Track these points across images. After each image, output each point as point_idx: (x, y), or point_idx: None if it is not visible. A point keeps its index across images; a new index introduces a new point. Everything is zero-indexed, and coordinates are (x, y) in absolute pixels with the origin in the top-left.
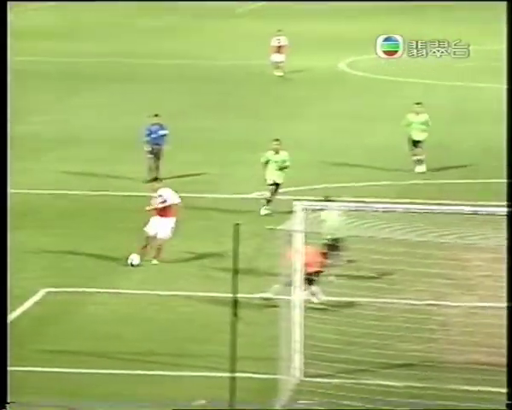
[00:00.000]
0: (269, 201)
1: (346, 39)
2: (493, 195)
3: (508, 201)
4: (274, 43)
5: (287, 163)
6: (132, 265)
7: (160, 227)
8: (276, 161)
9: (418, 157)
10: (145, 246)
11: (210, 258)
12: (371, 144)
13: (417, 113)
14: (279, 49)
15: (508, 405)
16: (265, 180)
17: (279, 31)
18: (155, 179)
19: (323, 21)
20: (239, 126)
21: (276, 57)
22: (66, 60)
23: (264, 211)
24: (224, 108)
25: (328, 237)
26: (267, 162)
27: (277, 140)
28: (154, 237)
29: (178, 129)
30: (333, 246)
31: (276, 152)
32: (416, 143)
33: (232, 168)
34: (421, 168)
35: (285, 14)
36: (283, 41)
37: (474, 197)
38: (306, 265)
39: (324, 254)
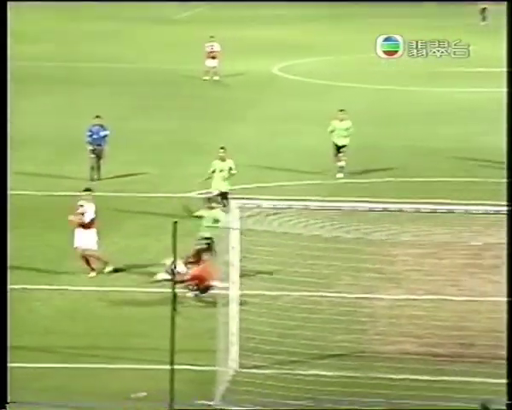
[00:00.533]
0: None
1: (279, 44)
2: (420, 193)
3: (508, 201)
4: (207, 49)
5: (233, 171)
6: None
7: (85, 240)
8: (221, 170)
9: (340, 163)
10: (87, 261)
11: (150, 255)
12: (303, 145)
13: (341, 119)
14: (212, 54)
15: (508, 405)
16: (212, 191)
17: (211, 37)
18: (86, 190)
19: (257, 27)
20: (178, 128)
21: (210, 62)
22: (12, 63)
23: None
24: (164, 110)
25: (206, 237)
26: (214, 171)
27: (223, 148)
28: (84, 250)
29: (120, 130)
30: (209, 246)
31: (222, 160)
32: (339, 149)
33: (172, 168)
34: (339, 175)
35: (221, 20)
36: (216, 47)
37: (401, 195)
38: (203, 279)
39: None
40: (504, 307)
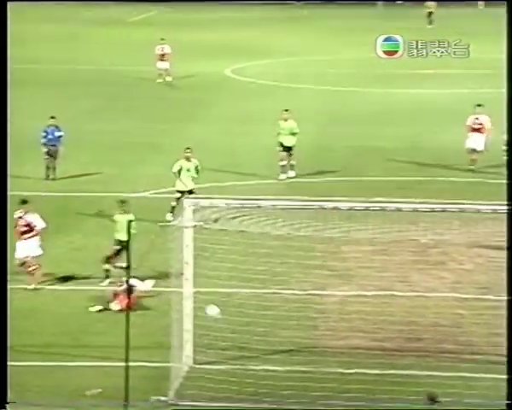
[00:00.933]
0: (174, 207)
1: (231, 47)
2: (367, 191)
3: (508, 200)
4: (157, 51)
5: (199, 170)
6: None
7: (29, 248)
8: (188, 169)
9: (290, 162)
10: (30, 271)
11: (105, 254)
12: (257, 145)
13: (285, 119)
14: (163, 56)
15: (508, 405)
16: (176, 187)
17: (162, 39)
18: (23, 202)
19: (210, 30)
20: (133, 129)
21: (161, 64)
22: None
23: (169, 217)
24: (119, 111)
25: (121, 240)
26: (180, 170)
27: (189, 148)
28: (27, 260)
29: (76, 131)
30: (122, 249)
31: (188, 160)
32: (286, 149)
33: (127, 168)
34: (291, 173)
35: (175, 22)
36: (167, 49)
37: (352, 194)
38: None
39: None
40: (451, 303)
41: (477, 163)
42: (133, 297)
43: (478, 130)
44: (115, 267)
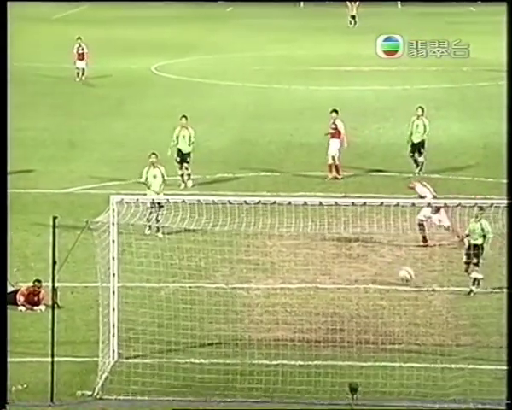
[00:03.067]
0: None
1: (156, 44)
2: (290, 186)
3: (508, 196)
4: (75, 50)
5: (165, 177)
6: None
7: None
8: (154, 176)
9: (187, 172)
10: None
11: (31, 250)
12: None
13: (184, 126)
14: (80, 56)
15: (508, 405)
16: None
17: (79, 38)
18: None
19: (135, 27)
20: (56, 126)
21: (79, 64)
22: None
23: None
24: (40, 108)
25: None
26: (147, 180)
27: (154, 154)
28: None
29: None
30: None
31: (154, 166)
32: (183, 157)
33: (52, 165)
34: (189, 183)
35: (100, 20)
36: (84, 48)
37: (276, 189)
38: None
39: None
40: (371, 294)
41: (332, 169)
42: (43, 293)
43: (334, 135)
44: None
